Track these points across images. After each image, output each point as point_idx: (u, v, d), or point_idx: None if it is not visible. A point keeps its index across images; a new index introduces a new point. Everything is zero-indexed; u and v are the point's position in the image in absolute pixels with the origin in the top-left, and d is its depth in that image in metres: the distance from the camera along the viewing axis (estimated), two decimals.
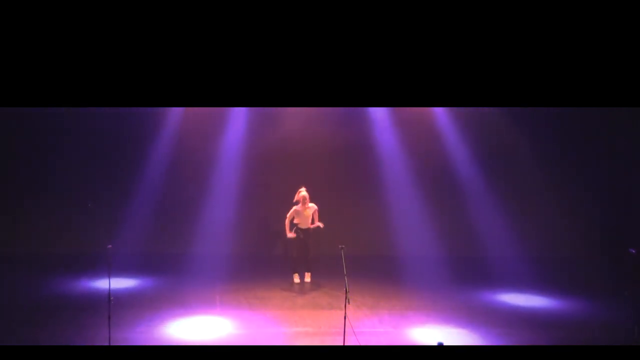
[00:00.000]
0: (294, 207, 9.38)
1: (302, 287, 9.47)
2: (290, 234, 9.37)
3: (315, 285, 9.54)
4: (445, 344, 6.15)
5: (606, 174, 11.76)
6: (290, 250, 9.73)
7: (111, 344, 6.27)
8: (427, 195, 11.62)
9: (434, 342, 6.46)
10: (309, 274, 9.68)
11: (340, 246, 6.73)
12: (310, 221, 9.40)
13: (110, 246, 6.47)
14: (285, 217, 9.43)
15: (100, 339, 6.59)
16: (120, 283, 9.07)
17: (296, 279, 9.59)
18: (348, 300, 6.33)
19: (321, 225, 9.43)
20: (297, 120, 11.33)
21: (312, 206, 9.39)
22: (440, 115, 11.60)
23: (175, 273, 9.90)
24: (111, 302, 6.19)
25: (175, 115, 11.12)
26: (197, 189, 11.23)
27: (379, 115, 11.57)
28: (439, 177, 11.70)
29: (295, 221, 9.43)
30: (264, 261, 10.93)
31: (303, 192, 9.32)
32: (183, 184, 11.24)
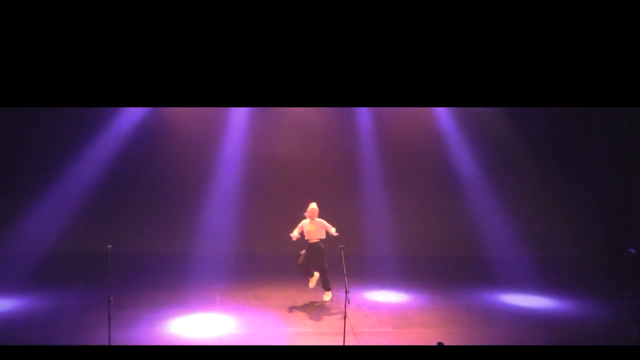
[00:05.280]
0: (303, 221, 8.76)
1: (301, 288, 9.41)
2: (294, 235, 8.67)
3: (315, 285, 9.51)
4: (445, 344, 6.14)
5: (606, 174, 11.76)
6: (300, 258, 8.82)
7: (111, 344, 6.27)
8: (427, 195, 11.63)
9: (434, 342, 6.46)
10: (329, 292, 8.86)
11: (340, 246, 6.75)
12: (318, 235, 8.67)
13: (110, 246, 6.46)
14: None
15: (100, 339, 6.59)
16: (120, 283, 9.05)
17: (311, 284, 8.82)
18: (348, 300, 6.34)
19: (333, 232, 8.67)
20: (295, 122, 11.34)
21: (319, 221, 8.67)
22: (441, 114, 11.61)
23: (175, 273, 9.90)
24: (111, 302, 6.19)
25: (172, 116, 11.14)
26: (197, 189, 11.23)
27: (378, 115, 11.58)
28: (438, 178, 11.70)
29: (305, 237, 8.75)
30: (263, 261, 10.92)
31: (312, 205, 8.72)
32: (183, 185, 11.24)
